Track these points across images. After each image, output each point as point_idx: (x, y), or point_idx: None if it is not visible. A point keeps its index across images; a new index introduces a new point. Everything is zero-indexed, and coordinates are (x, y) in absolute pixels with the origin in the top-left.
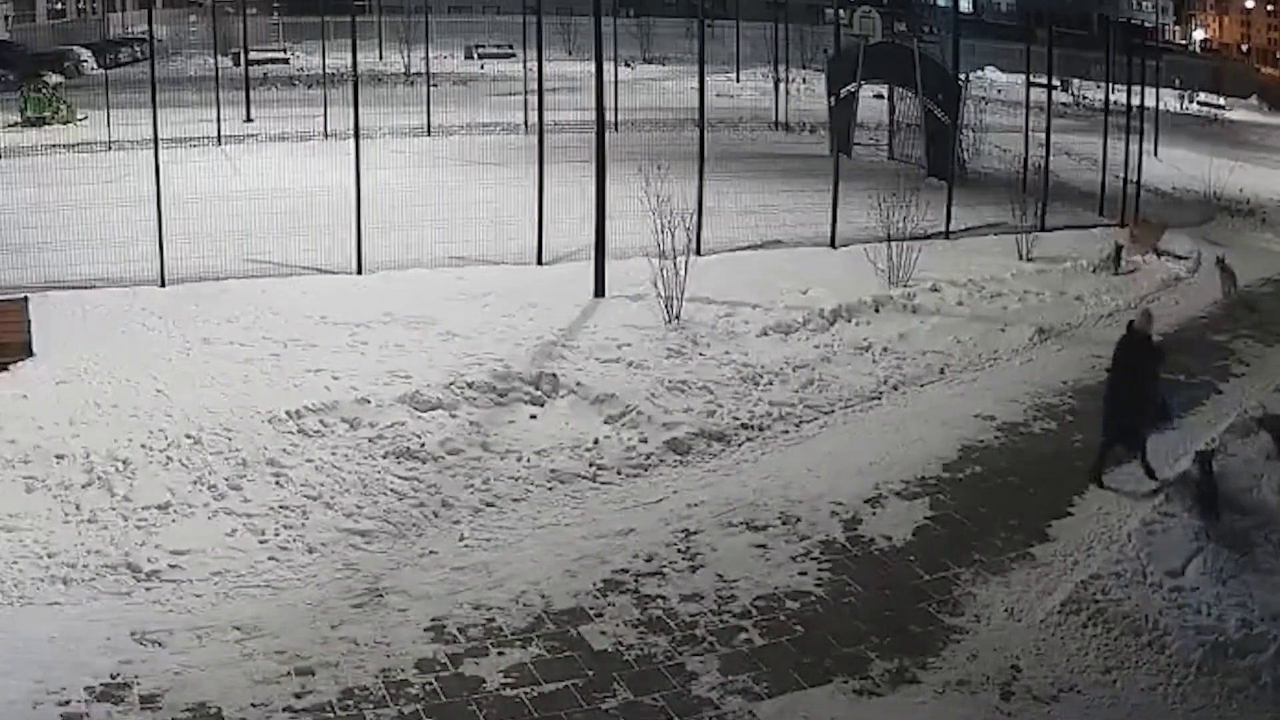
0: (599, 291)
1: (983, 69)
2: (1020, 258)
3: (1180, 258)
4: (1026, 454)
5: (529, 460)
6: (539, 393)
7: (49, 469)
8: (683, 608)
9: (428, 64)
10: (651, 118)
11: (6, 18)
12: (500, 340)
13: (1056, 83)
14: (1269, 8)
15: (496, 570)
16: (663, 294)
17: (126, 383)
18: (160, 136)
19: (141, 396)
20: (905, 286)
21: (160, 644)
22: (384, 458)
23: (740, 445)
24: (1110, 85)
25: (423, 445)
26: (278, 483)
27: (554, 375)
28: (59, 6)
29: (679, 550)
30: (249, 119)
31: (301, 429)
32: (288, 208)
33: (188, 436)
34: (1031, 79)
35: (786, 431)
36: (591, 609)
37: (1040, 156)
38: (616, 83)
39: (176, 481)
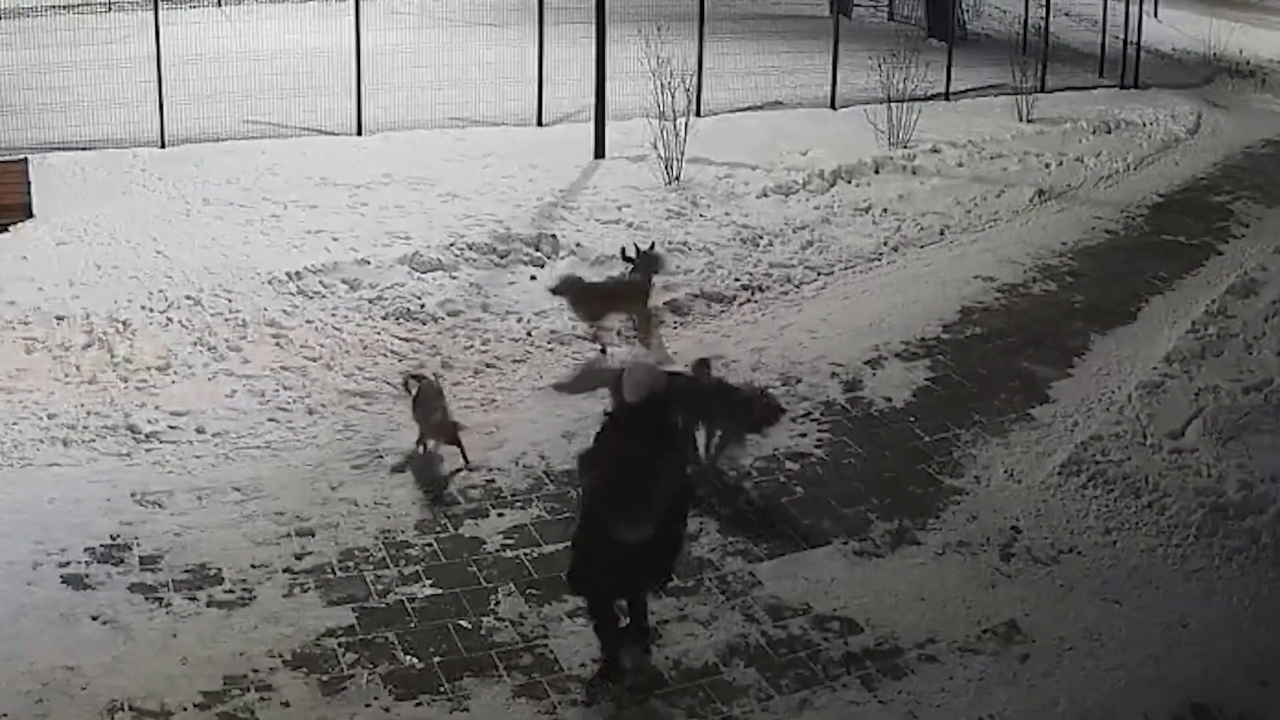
0: (599, 153)
1: None
2: (1020, 119)
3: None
4: (1026, 315)
5: (529, 321)
6: (539, 254)
7: (49, 330)
8: None
9: None
10: None
11: None
12: (500, 201)
13: None
14: None
15: (496, 431)
16: (663, 155)
17: (126, 244)
18: None
19: (141, 258)
20: (905, 148)
21: (160, 505)
22: (384, 319)
23: (740, 306)
24: None
25: (423, 306)
26: (277, 344)
27: (554, 236)
28: None
29: None
30: None
31: (301, 290)
32: (288, 69)
33: (188, 298)
34: None
35: (786, 293)
36: None
37: (1040, 17)
38: None
39: (176, 343)
